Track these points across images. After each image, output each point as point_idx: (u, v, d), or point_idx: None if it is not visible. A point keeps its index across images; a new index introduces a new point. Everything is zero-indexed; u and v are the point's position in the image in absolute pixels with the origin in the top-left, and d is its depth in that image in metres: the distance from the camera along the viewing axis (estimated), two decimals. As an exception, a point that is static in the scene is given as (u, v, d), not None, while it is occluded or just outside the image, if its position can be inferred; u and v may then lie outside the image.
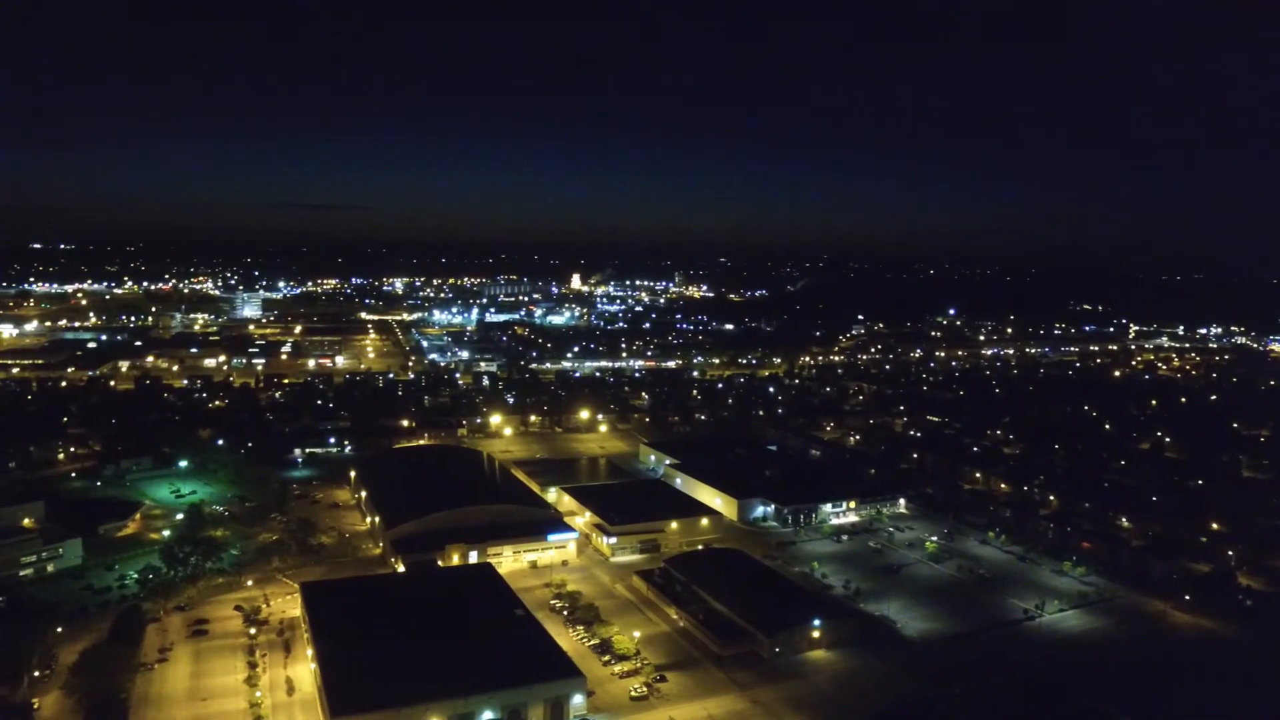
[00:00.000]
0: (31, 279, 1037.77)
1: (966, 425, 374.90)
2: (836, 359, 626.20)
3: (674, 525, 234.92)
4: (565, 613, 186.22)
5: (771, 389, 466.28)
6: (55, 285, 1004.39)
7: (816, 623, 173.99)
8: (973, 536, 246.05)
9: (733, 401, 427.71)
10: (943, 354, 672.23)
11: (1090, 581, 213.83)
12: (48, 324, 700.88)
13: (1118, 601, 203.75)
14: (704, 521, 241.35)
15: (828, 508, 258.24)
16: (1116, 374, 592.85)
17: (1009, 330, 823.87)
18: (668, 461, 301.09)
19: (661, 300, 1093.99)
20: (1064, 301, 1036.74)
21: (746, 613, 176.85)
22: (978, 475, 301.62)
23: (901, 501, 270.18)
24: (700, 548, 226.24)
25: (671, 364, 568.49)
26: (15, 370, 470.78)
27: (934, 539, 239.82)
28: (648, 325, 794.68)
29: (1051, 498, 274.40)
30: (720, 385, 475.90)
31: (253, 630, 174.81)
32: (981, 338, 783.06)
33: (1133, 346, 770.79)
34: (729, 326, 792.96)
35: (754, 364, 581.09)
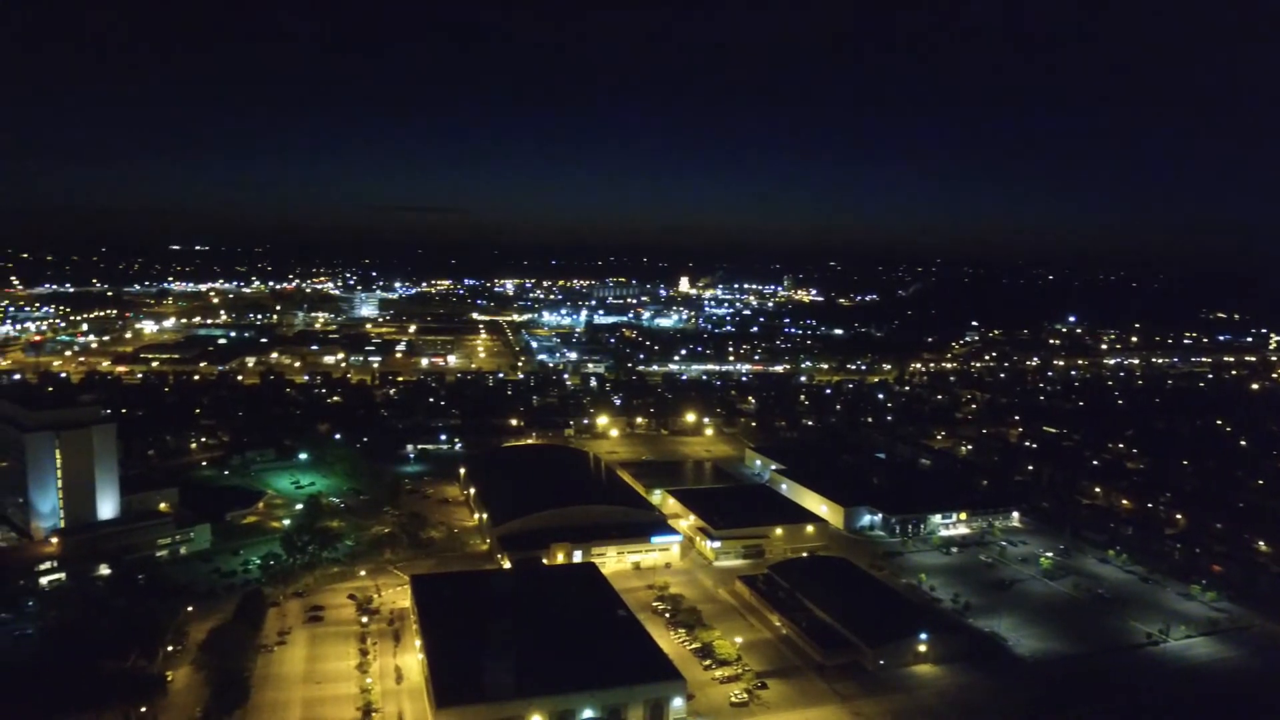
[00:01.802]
0: (170, 278, 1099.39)
1: (1086, 437, 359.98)
2: (949, 366, 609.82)
3: (778, 531, 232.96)
4: (667, 615, 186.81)
5: (881, 395, 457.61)
6: (191, 284, 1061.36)
7: (923, 636, 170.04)
8: (1091, 554, 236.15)
9: (841, 407, 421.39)
10: (1061, 363, 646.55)
11: (1221, 607, 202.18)
12: (184, 321, 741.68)
13: (1253, 630, 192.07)
14: (809, 528, 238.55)
15: (937, 518, 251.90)
16: (1255, 386, 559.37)
17: (1134, 339, 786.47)
18: (774, 467, 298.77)
19: (770, 304, 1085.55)
20: (1196, 309, 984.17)
21: (851, 623, 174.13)
22: (1097, 490, 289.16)
23: (1015, 514, 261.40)
24: (805, 555, 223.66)
25: (779, 368, 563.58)
26: (155, 364, 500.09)
27: (1049, 555, 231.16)
28: (755, 329, 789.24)
29: (1179, 516, 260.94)
30: (828, 391, 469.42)
31: (365, 619, 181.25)
32: (1104, 346, 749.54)
33: (1274, 358, 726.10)
34: (838, 331, 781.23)
35: (863, 370, 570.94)
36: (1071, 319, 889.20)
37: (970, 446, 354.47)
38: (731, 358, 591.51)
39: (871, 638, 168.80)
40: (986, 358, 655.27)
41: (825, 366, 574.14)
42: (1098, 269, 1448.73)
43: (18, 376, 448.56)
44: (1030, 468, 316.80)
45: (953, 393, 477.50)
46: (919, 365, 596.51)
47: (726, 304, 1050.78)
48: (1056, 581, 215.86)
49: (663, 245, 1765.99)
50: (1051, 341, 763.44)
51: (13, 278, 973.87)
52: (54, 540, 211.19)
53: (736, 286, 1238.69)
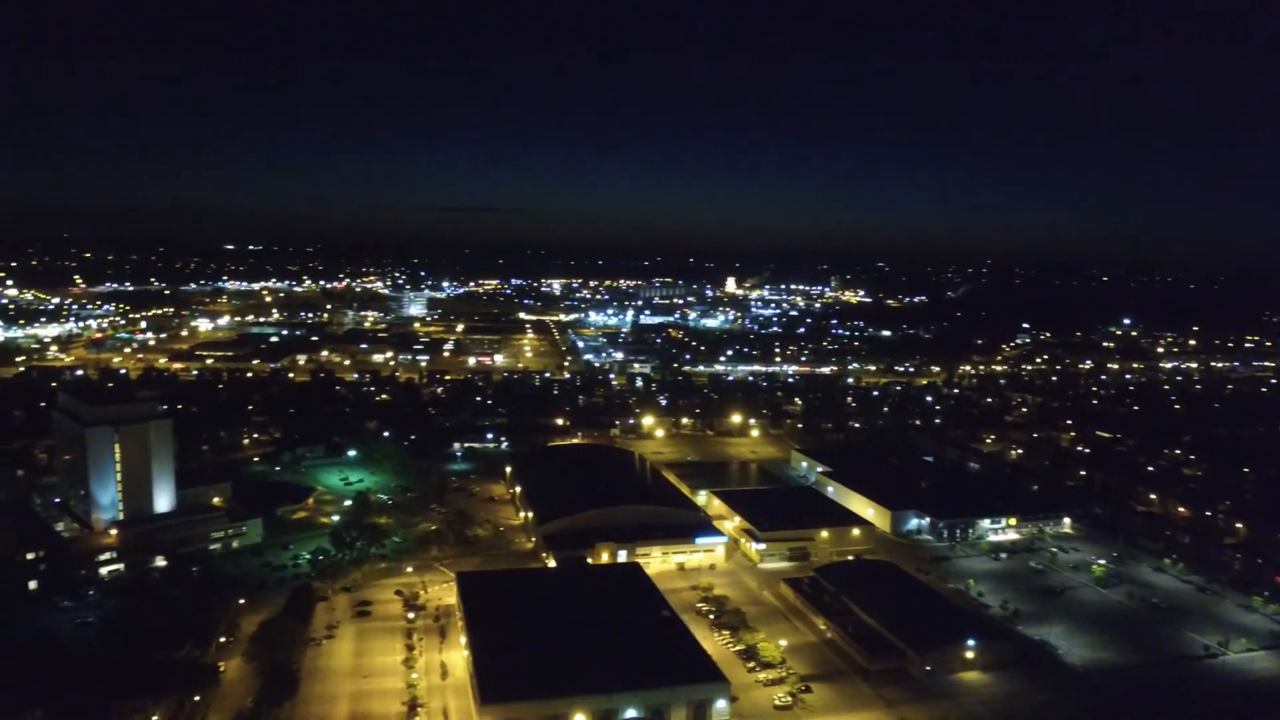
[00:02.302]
0: (225, 277, 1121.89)
1: (1141, 443, 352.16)
2: (999, 369, 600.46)
3: (824, 534, 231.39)
4: (711, 616, 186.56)
5: (929, 398, 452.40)
6: (244, 283, 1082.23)
7: (971, 642, 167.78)
8: (1146, 562, 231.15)
9: (888, 410, 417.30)
10: (1116, 366, 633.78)
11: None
12: (237, 319, 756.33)
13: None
14: (855, 531, 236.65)
15: (986, 523, 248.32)
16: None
17: (1192, 342, 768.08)
18: (820, 469, 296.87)
19: (817, 305, 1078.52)
20: (1258, 312, 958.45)
21: (897, 627, 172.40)
22: (1153, 497, 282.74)
23: (1066, 521, 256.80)
24: (851, 558, 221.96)
25: (826, 370, 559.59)
26: (209, 361, 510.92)
27: (1102, 562, 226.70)
28: (802, 330, 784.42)
29: (1239, 525, 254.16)
30: (875, 393, 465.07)
31: (411, 615, 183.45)
32: (1160, 350, 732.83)
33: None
34: (886, 333, 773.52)
35: (911, 372, 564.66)
36: (1127, 321, 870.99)
37: (1020, 451, 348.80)
38: (778, 359, 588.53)
39: (918, 643, 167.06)
40: (1038, 360, 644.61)
41: (872, 368, 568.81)
42: (1154, 270, 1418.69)
43: (80, 373, 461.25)
44: (1082, 473, 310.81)
45: (1003, 396, 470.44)
46: (968, 368, 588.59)
47: (773, 305, 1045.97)
48: (1109, 590, 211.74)
49: (709, 246, 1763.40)
50: (1105, 344, 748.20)
51: (76, 276, 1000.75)
52: (113, 532, 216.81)
53: (783, 287, 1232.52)
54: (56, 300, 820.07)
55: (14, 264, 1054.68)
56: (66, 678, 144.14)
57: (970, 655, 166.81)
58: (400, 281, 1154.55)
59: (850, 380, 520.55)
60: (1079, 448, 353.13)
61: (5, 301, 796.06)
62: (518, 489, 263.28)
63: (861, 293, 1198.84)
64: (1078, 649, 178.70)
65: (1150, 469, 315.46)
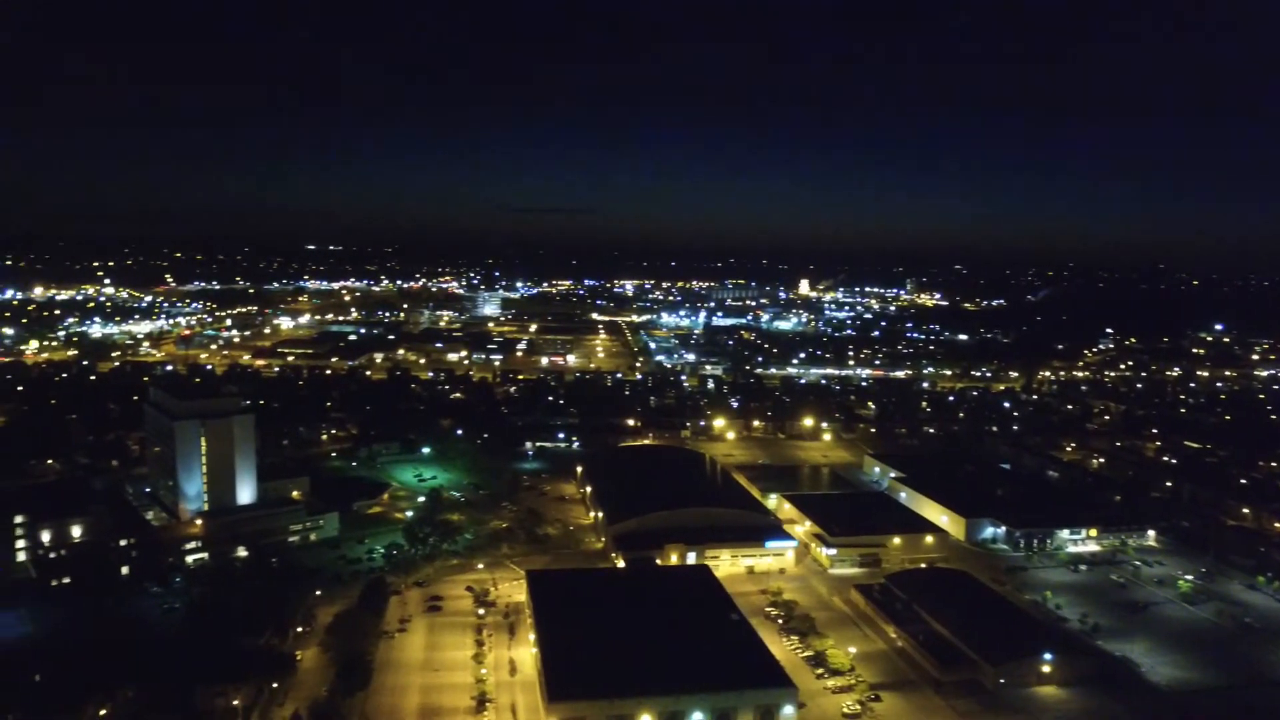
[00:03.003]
0: (306, 277, 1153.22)
1: (1233, 454, 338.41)
2: (1080, 375, 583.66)
3: (896, 541, 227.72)
4: (780, 621, 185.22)
5: (1007, 404, 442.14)
6: (325, 282, 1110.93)
7: (1048, 656, 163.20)
8: (1237, 579, 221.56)
9: (964, 415, 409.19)
10: (1206, 373, 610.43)
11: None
12: (317, 318, 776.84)
13: None
14: (928, 539, 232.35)
15: (1065, 533, 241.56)
16: None
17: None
18: (892, 474, 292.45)
19: (892, 308, 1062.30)
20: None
21: (970, 638, 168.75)
22: (1245, 510, 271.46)
23: (1151, 533, 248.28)
24: (923, 566, 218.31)
25: (900, 374, 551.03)
26: (290, 359, 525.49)
27: (1189, 578, 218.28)
28: (877, 333, 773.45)
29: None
30: (951, 398, 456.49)
31: (481, 611, 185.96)
32: (1255, 356, 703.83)
33: None
34: (962, 337, 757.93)
35: (988, 377, 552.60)
36: (1219, 327, 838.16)
37: (1102, 460, 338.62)
38: (851, 362, 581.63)
39: (992, 655, 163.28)
40: (1122, 367, 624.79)
41: (948, 373, 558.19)
42: (1249, 273, 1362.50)
43: (170, 368, 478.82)
44: (1169, 484, 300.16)
45: (1084, 403, 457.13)
46: (1048, 374, 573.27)
47: (847, 307, 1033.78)
48: (1197, 606, 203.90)
49: (783, 247, 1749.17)
50: (1195, 351, 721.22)
51: (167, 275, 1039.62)
52: (199, 522, 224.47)
53: (857, 289, 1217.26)
54: (149, 298, 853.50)
55: (111, 263, 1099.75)
56: (154, 660, 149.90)
57: (1047, 669, 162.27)
58: (475, 282, 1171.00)
59: (925, 385, 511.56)
60: (1165, 458, 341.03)
61: (103, 299, 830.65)
62: (588, 489, 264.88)
63: (938, 296, 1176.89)
64: (1162, 667, 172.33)
65: (1243, 481, 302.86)
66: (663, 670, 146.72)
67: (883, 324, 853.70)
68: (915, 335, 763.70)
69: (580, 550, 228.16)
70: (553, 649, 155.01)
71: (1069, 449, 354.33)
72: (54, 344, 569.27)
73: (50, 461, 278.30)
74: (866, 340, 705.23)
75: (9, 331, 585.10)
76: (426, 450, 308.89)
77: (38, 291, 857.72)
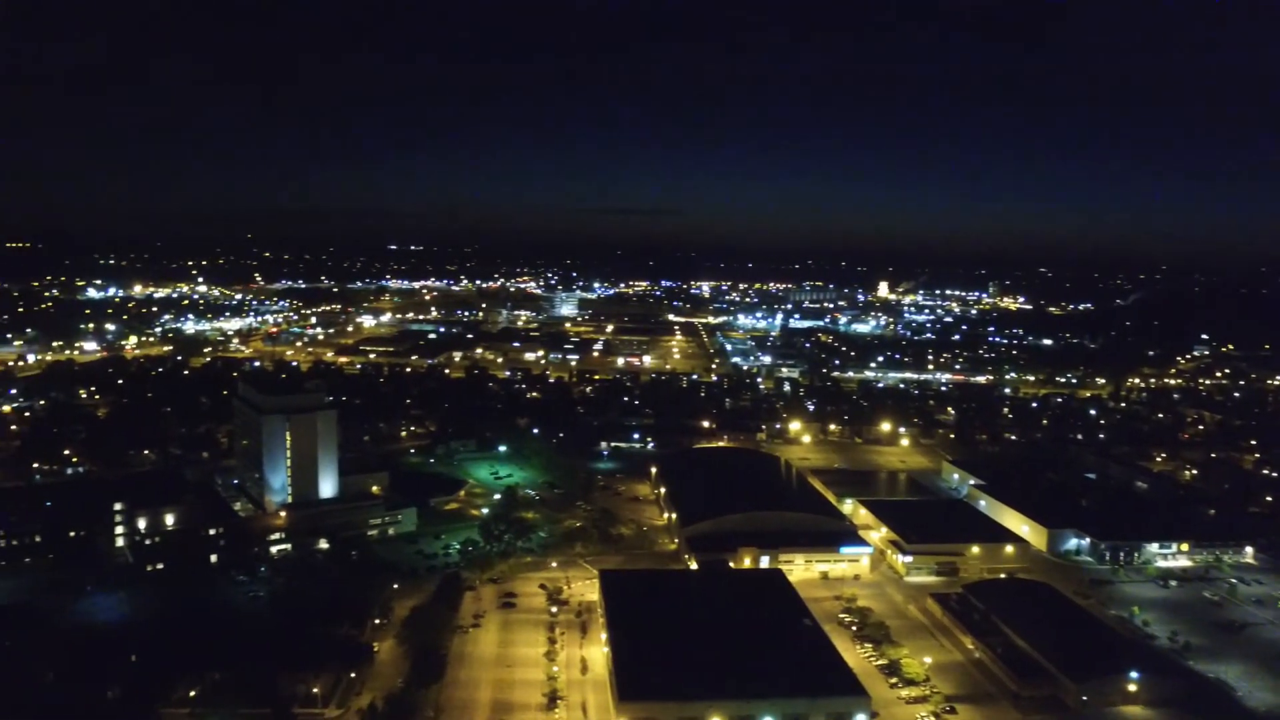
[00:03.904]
0: (388, 276, 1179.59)
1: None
2: (1173, 383, 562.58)
3: (975, 549, 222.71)
4: (854, 628, 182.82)
5: (1093, 412, 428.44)
6: (406, 282, 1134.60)
7: (1135, 675, 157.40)
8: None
9: (1047, 423, 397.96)
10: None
11: None
12: (398, 316, 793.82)
13: None
14: (1008, 549, 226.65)
15: (1154, 547, 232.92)
16: None
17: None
18: (972, 482, 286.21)
19: (973, 311, 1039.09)
20: None
21: (1051, 653, 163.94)
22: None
23: (1249, 550, 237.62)
24: (1003, 576, 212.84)
25: (981, 379, 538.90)
26: (371, 356, 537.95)
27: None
28: (957, 337, 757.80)
29: None
30: (1034, 404, 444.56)
31: (554, 609, 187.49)
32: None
33: None
34: (1047, 342, 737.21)
35: (1074, 384, 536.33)
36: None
37: (1195, 472, 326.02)
38: (931, 366, 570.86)
39: (1075, 671, 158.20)
40: (1218, 375, 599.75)
41: (1032, 378, 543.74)
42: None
43: (257, 364, 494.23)
44: (1269, 499, 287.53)
45: (1176, 412, 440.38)
46: (1137, 381, 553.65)
47: (927, 310, 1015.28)
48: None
49: (862, 249, 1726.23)
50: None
51: (256, 275, 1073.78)
52: (283, 514, 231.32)
53: (938, 292, 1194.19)
54: (239, 296, 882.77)
55: (204, 263, 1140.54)
56: (239, 646, 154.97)
57: (1133, 688, 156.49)
58: (553, 282, 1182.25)
59: (1007, 390, 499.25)
60: (1265, 470, 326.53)
61: (196, 297, 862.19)
62: (662, 490, 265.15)
63: (1021, 299, 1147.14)
64: (1260, 692, 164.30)
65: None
66: (734, 674, 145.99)
67: (964, 327, 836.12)
68: (997, 339, 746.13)
69: (653, 551, 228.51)
70: (624, 649, 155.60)
71: (1159, 459, 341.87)
72: (151, 340, 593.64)
73: (146, 452, 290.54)
74: (947, 344, 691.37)
75: (111, 327, 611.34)
76: (503, 448, 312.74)
77: (137, 290, 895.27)
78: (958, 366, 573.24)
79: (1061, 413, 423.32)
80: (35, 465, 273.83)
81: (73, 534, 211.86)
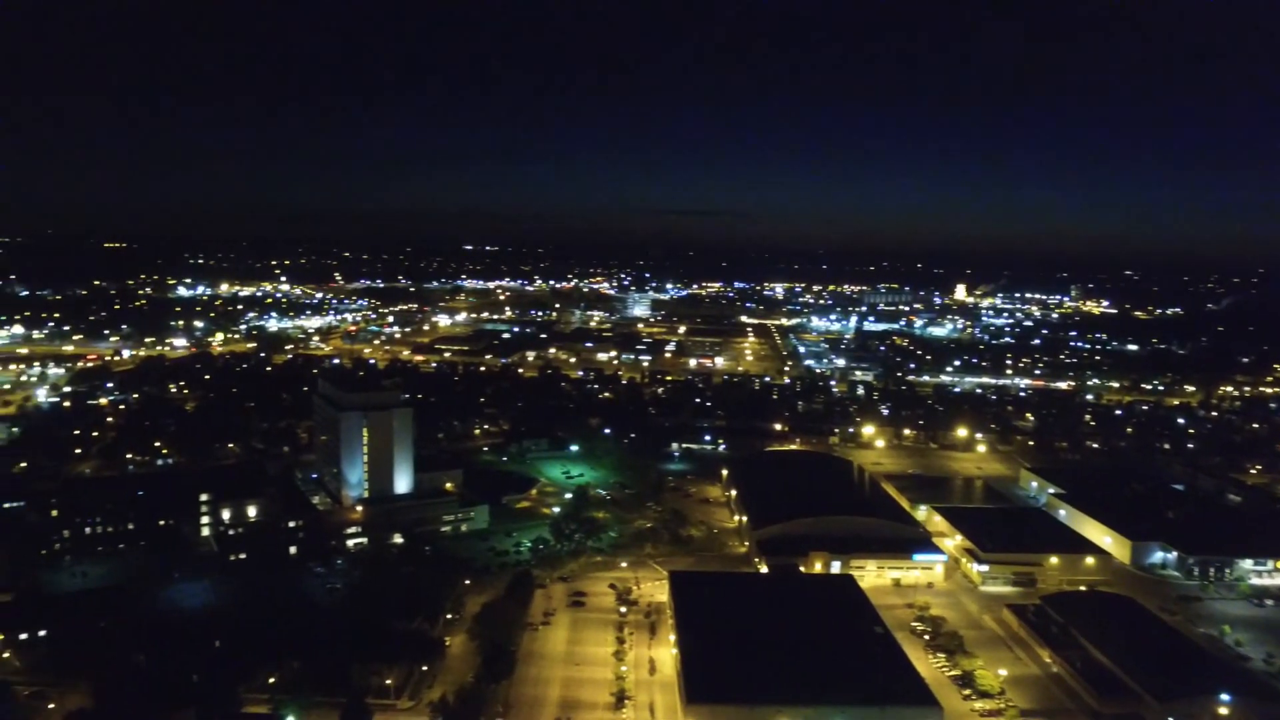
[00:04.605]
0: (463, 276, 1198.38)
1: None
2: (1269, 391, 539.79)
3: (1053, 560, 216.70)
4: (926, 637, 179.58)
5: (1181, 420, 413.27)
6: (481, 282, 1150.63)
7: (1226, 698, 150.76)
8: None
9: (1132, 431, 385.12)
10: None
11: None
12: (473, 316, 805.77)
13: None
14: (1089, 560, 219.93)
15: (1248, 563, 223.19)
16: None
17: None
18: (1051, 490, 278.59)
19: (1054, 315, 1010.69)
20: None
21: (1134, 670, 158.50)
22: None
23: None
24: (1082, 588, 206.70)
25: (1062, 385, 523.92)
26: (447, 355, 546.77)
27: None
28: (1037, 341, 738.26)
29: None
30: (1118, 412, 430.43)
31: (623, 609, 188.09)
32: None
33: None
34: (1132, 347, 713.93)
35: (1161, 391, 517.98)
36: None
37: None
38: (1009, 371, 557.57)
39: (1159, 690, 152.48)
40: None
41: (1116, 385, 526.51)
42: None
43: (336, 361, 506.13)
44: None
45: (1273, 421, 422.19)
46: (1230, 389, 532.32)
47: (1006, 314, 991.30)
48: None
49: (939, 251, 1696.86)
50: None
51: (336, 274, 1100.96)
52: (359, 508, 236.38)
53: (1018, 296, 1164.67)
54: (320, 295, 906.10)
55: (287, 262, 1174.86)
56: (316, 636, 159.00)
57: (1224, 711, 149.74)
58: (626, 283, 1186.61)
59: (1089, 397, 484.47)
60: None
61: (279, 296, 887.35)
62: (733, 492, 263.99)
63: (1105, 303, 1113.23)
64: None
65: None
66: (803, 680, 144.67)
67: (1044, 332, 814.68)
68: (1080, 344, 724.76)
69: (723, 553, 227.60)
70: (693, 650, 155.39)
71: (1254, 471, 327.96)
72: (236, 337, 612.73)
73: (231, 445, 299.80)
74: (1026, 349, 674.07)
75: (199, 325, 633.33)
76: (575, 448, 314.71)
77: (224, 288, 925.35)
78: (1037, 372, 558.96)
79: (1147, 421, 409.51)
80: (129, 456, 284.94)
81: (162, 523, 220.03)
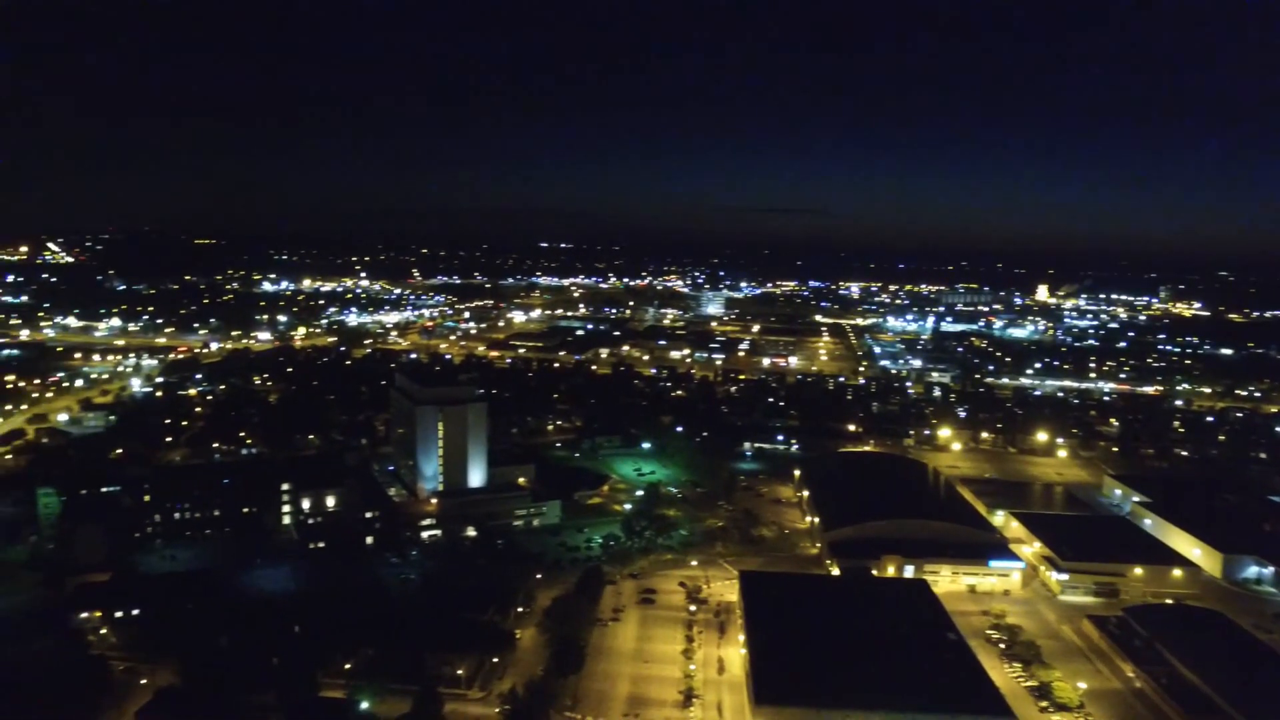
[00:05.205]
0: (538, 273, 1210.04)
1: None
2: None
3: (1137, 571, 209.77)
4: (1002, 646, 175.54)
5: (1279, 429, 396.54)
6: (555, 279, 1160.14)
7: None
8: None
9: (1225, 439, 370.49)
10: None
11: None
12: (547, 312, 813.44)
13: None
14: (1176, 572, 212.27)
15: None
16: None
17: None
18: (1136, 498, 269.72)
19: (1142, 317, 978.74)
20: None
21: (1226, 689, 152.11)
22: None
23: None
24: (1168, 602, 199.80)
25: (1149, 389, 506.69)
26: (521, 351, 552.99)
27: None
28: (1123, 344, 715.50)
29: None
30: (1210, 419, 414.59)
31: (693, 607, 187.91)
32: None
33: None
34: (1226, 351, 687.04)
35: (1257, 397, 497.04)
36: None
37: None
38: (1093, 374, 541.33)
39: (1254, 712, 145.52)
40: None
41: (1207, 390, 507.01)
42: None
43: (413, 356, 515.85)
44: None
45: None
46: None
47: (1090, 315, 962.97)
48: None
49: (1021, 251, 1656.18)
50: None
51: (414, 270, 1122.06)
52: (434, 501, 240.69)
53: (1102, 297, 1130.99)
54: (398, 291, 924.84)
55: (367, 259, 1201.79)
56: (390, 624, 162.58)
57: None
58: (700, 280, 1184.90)
59: (1179, 403, 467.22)
60: None
61: (359, 291, 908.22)
62: (805, 493, 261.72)
63: (1197, 305, 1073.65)
64: None
65: None
66: (873, 684, 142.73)
67: (1130, 334, 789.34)
68: (1169, 348, 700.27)
69: (794, 554, 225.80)
70: (762, 651, 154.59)
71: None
72: (317, 331, 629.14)
73: (311, 437, 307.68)
74: (1111, 351, 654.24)
75: (282, 319, 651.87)
76: (647, 445, 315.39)
77: (306, 284, 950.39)
78: (1123, 375, 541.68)
79: (1242, 428, 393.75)
80: (215, 445, 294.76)
81: (245, 510, 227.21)
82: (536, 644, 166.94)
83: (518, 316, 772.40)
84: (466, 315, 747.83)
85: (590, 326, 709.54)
